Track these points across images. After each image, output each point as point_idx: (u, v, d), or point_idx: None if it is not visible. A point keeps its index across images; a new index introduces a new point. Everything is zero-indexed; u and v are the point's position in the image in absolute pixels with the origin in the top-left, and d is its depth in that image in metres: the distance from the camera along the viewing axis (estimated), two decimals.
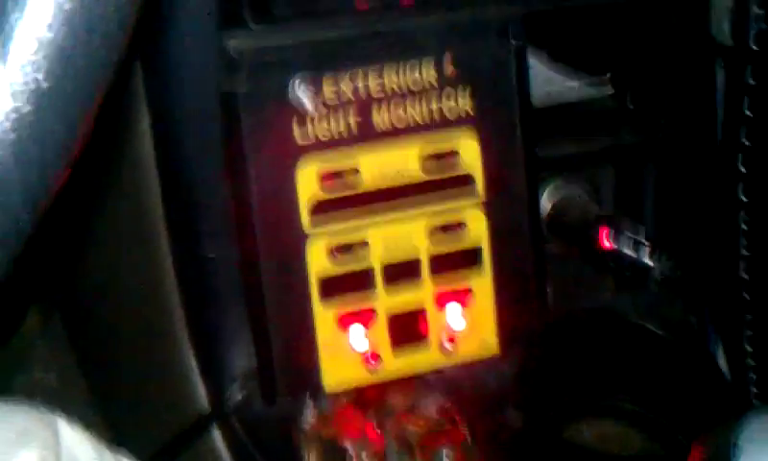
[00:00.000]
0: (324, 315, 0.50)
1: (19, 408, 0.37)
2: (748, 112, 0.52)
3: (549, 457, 0.56)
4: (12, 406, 0.37)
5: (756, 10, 0.49)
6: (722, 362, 0.60)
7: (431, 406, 0.55)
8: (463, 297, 0.53)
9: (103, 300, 0.64)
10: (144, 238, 0.54)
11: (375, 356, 0.51)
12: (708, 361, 0.60)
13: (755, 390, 0.56)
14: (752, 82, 0.51)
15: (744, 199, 0.53)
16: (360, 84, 0.49)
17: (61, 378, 0.72)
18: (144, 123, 0.51)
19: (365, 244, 0.51)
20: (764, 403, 0.56)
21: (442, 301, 0.53)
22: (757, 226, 0.53)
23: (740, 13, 0.50)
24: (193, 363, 0.54)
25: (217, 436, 0.54)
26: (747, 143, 0.52)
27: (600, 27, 0.60)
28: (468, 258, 0.53)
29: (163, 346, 0.55)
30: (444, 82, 0.51)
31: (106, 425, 0.64)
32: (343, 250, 0.50)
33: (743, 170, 0.52)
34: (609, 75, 0.61)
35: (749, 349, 0.55)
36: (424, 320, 0.52)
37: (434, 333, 0.53)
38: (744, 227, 0.53)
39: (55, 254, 0.67)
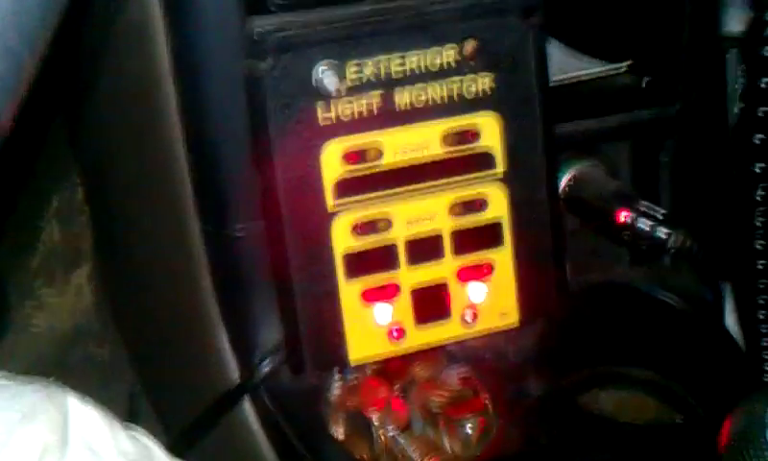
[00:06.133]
0: (348, 290, 0.50)
1: (28, 386, 0.37)
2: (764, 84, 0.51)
3: (567, 425, 0.56)
4: (23, 383, 0.37)
5: None
6: (736, 334, 0.60)
7: (453, 377, 0.55)
8: (484, 271, 0.53)
9: (142, 280, 0.65)
10: (176, 221, 0.54)
11: (399, 329, 0.52)
12: (722, 332, 0.60)
13: None
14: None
15: (758, 172, 0.52)
16: (382, 67, 0.49)
17: (112, 352, 0.74)
18: (172, 105, 0.51)
19: (388, 220, 0.51)
20: None
21: (463, 275, 0.52)
22: None
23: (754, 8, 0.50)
24: (224, 338, 0.55)
25: (247, 407, 0.54)
26: (763, 117, 0.51)
27: (618, 13, 0.58)
28: (489, 233, 0.53)
29: (196, 322, 0.56)
30: (464, 63, 0.50)
31: (147, 395, 0.66)
32: (366, 226, 0.50)
33: (758, 144, 0.51)
34: (628, 63, 0.60)
35: (764, 321, 0.54)
36: (447, 294, 0.52)
37: (456, 306, 0.53)
38: (759, 199, 0.52)
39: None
